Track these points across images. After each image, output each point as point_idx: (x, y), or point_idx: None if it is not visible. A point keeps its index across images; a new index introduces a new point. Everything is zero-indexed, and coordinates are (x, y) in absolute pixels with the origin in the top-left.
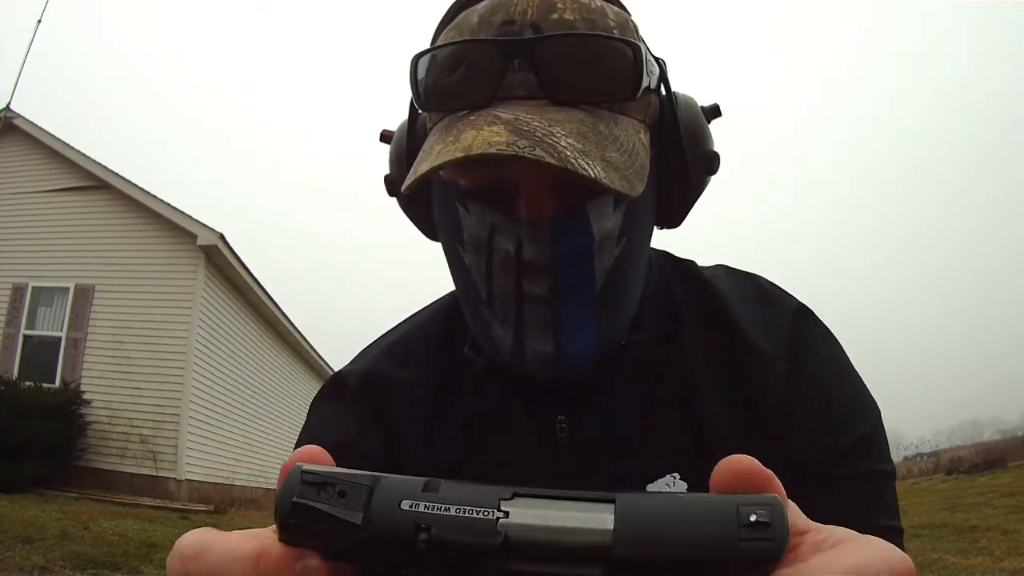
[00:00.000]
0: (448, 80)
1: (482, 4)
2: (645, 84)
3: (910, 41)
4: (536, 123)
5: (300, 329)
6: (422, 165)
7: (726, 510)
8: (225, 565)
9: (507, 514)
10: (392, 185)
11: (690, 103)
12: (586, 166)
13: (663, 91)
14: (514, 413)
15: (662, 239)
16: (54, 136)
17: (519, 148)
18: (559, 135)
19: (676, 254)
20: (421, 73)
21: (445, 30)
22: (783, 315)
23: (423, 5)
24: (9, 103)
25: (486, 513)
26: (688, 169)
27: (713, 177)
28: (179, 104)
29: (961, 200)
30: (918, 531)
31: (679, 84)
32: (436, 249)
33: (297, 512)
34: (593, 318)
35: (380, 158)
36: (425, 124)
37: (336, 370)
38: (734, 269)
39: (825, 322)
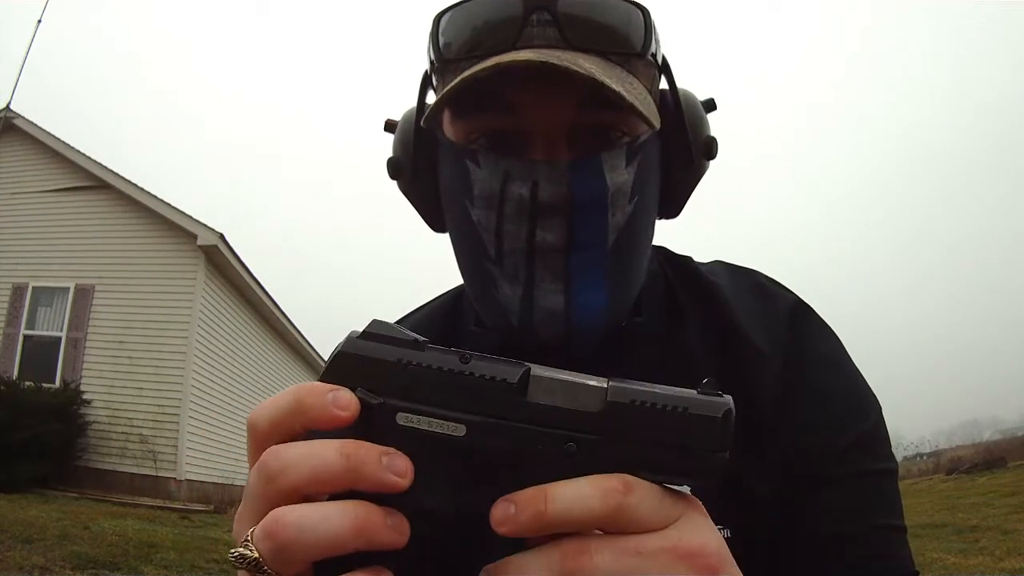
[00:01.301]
0: (470, 31)
1: None
2: (653, 50)
3: (915, 41)
4: (560, 54)
5: (300, 329)
6: (448, 88)
7: (686, 389)
8: (270, 405)
9: (531, 367)
10: (395, 167)
11: (689, 92)
12: (612, 83)
13: (665, 83)
14: None
15: (666, 240)
16: (54, 136)
17: (553, 60)
18: (582, 63)
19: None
20: (443, 29)
21: None
22: (781, 312)
23: (426, 5)
24: (9, 103)
25: (517, 362)
26: (691, 153)
27: (711, 164)
28: (179, 104)
29: (962, 198)
30: (918, 531)
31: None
32: (435, 250)
33: (374, 325)
34: (604, 275)
35: (380, 159)
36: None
37: None
38: (732, 265)
39: (823, 318)
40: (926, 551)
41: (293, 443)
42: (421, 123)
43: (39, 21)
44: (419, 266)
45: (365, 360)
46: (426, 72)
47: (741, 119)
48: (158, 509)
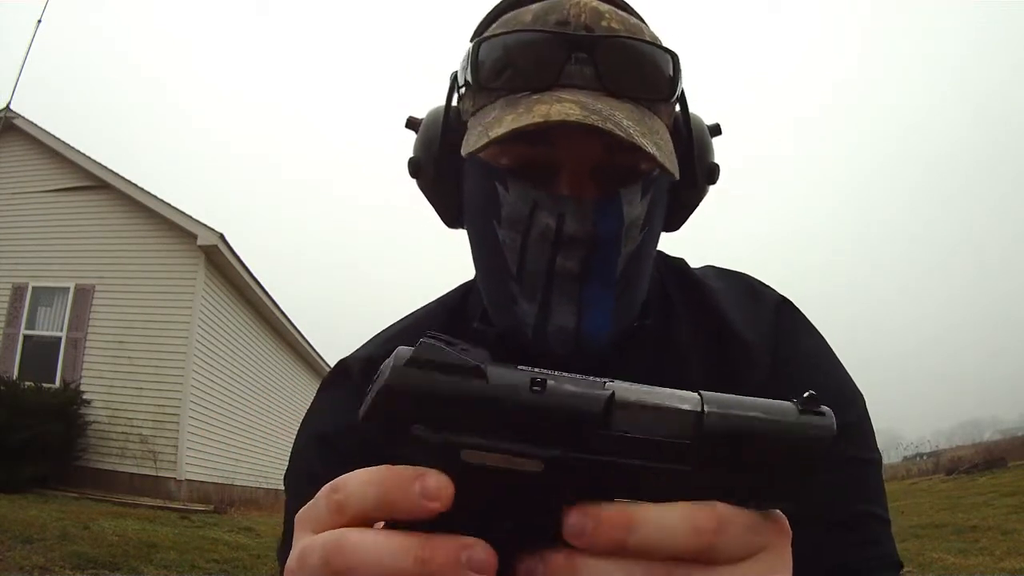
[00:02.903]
0: (511, 64)
1: (534, 5)
2: (678, 92)
3: (915, 43)
4: (599, 106)
5: (300, 329)
6: (495, 130)
7: (783, 400)
8: (359, 490)
9: (612, 381)
10: (416, 167)
11: (699, 119)
12: (646, 144)
13: (679, 107)
14: None
15: (667, 241)
16: (54, 136)
17: (594, 120)
18: (620, 117)
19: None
20: (483, 56)
21: (493, 26)
22: (767, 308)
23: (425, 6)
24: (9, 103)
25: (595, 380)
26: (696, 178)
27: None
28: (179, 104)
29: (962, 199)
30: (918, 531)
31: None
32: (435, 250)
33: (423, 348)
34: (613, 298)
35: (380, 160)
36: (459, 112)
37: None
38: (722, 268)
39: (808, 316)
40: (926, 551)
41: (366, 540)
42: (463, 154)
43: (39, 21)
44: (419, 265)
45: (417, 393)
46: (454, 75)
47: (741, 120)
48: (158, 509)
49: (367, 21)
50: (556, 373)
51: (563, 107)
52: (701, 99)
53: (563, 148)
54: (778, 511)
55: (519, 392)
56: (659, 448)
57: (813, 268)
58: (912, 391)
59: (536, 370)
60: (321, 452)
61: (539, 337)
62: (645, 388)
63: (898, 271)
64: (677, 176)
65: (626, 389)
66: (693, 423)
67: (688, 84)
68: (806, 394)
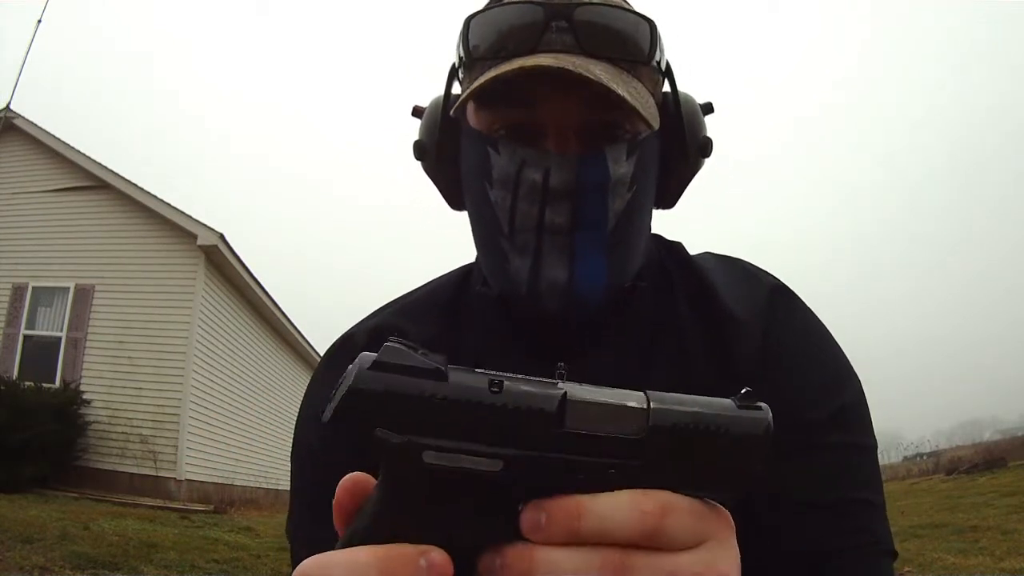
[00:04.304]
0: (496, 36)
1: None
2: (657, 57)
3: (917, 42)
4: (574, 60)
5: (300, 329)
6: (475, 85)
7: (722, 398)
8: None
9: (563, 382)
10: (421, 149)
11: (688, 95)
12: (618, 88)
13: (667, 85)
14: (516, 357)
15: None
16: (54, 136)
17: (565, 65)
18: (594, 69)
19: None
20: (471, 32)
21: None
22: (760, 289)
23: (425, 6)
24: (9, 103)
25: (549, 381)
26: (687, 151)
27: (706, 162)
28: (180, 104)
29: (962, 199)
30: (918, 531)
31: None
32: (435, 249)
33: (387, 352)
34: (604, 253)
35: (381, 159)
36: (459, 97)
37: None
38: (719, 254)
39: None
40: (926, 551)
41: None
42: (450, 113)
43: (39, 21)
44: (419, 265)
45: (381, 395)
46: (453, 65)
47: (741, 119)
48: (158, 509)
49: (367, 21)
50: (512, 375)
51: (538, 59)
52: (700, 97)
53: (547, 108)
54: (721, 506)
55: (478, 393)
56: (611, 444)
57: (813, 268)
58: (912, 391)
59: (493, 372)
60: (319, 428)
61: (532, 293)
62: (595, 388)
63: (898, 271)
64: (655, 126)
65: (578, 388)
66: (640, 418)
67: (687, 81)
68: (743, 391)
